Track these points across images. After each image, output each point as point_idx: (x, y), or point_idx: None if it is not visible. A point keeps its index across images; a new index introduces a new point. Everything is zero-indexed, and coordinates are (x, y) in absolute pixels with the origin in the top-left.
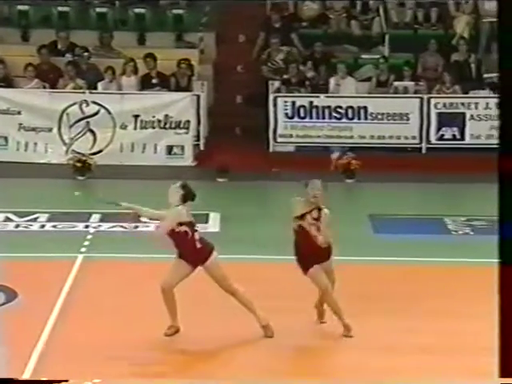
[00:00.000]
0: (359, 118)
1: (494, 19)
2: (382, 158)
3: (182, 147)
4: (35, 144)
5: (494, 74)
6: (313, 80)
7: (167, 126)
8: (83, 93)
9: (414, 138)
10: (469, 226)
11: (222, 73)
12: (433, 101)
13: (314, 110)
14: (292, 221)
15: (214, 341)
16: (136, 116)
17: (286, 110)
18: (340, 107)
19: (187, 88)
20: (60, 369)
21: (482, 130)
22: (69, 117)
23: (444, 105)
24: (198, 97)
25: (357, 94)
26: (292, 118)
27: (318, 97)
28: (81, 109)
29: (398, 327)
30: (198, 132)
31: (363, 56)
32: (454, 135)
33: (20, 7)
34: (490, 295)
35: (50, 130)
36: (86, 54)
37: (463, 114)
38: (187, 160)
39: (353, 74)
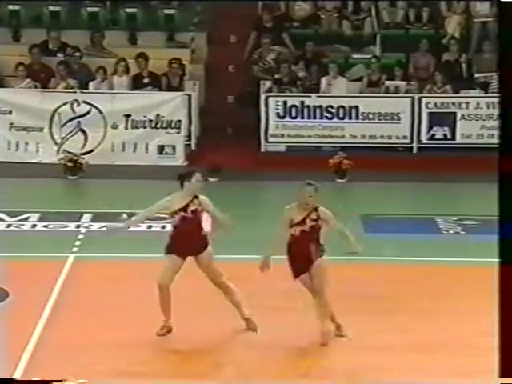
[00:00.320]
0: (350, 118)
1: (485, 19)
2: (374, 158)
3: (174, 147)
4: (26, 144)
5: (485, 74)
6: (304, 80)
7: (158, 125)
8: (74, 92)
9: (405, 137)
10: (460, 226)
11: (214, 73)
12: (424, 100)
13: (305, 110)
14: (290, 227)
15: (206, 340)
16: (127, 116)
17: (278, 109)
18: (331, 107)
19: (178, 88)
20: (51, 368)
21: (472, 129)
22: (60, 116)
23: (435, 104)
24: (190, 96)
25: (348, 93)
26: (283, 117)
27: (309, 96)
28: (72, 108)
29: (390, 327)
30: (190, 132)
31: (354, 56)
32: (445, 135)
33: (11, 7)
34: (482, 294)
35: (41, 129)
36: (77, 53)
37: (454, 113)
38: (178, 160)
39: (344, 73)
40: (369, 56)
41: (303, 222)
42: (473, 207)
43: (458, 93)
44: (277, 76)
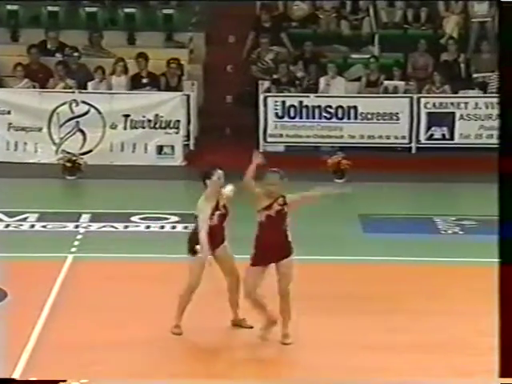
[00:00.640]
0: (349, 118)
1: (483, 19)
2: (372, 158)
3: (172, 147)
4: (25, 144)
5: (484, 74)
6: (303, 80)
7: (157, 125)
8: (73, 92)
9: (403, 137)
10: (458, 226)
11: (212, 73)
12: (422, 100)
13: (304, 110)
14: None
15: (206, 340)
16: (126, 116)
17: (276, 109)
18: (330, 107)
19: (177, 88)
20: (50, 368)
21: (471, 129)
22: (59, 116)
23: (434, 104)
24: (188, 96)
25: (347, 93)
26: (282, 117)
27: (308, 96)
28: (71, 108)
29: (389, 326)
30: (188, 132)
31: (353, 56)
32: (443, 135)
33: (9, 7)
34: (481, 294)
35: (40, 129)
36: (75, 53)
37: (453, 113)
38: (177, 160)
39: (343, 73)
40: (367, 56)
41: (269, 207)
42: (471, 207)
43: (456, 93)
44: (275, 76)
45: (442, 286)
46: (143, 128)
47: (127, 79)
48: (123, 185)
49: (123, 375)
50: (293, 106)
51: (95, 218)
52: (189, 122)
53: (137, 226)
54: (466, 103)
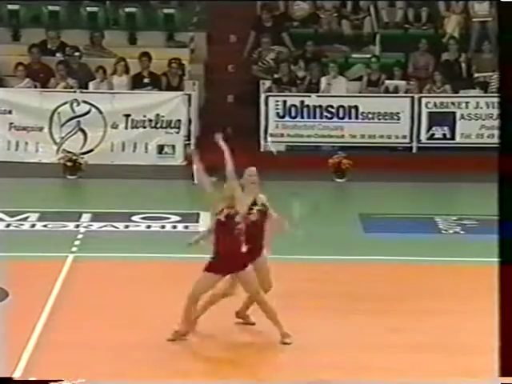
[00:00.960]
0: (350, 118)
1: (484, 19)
2: (373, 158)
3: (173, 147)
4: (26, 143)
5: (484, 74)
6: (304, 79)
7: (158, 125)
8: (74, 92)
9: (404, 137)
10: (459, 225)
11: (213, 72)
12: (423, 100)
13: (305, 110)
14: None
15: (206, 340)
16: (127, 115)
17: (277, 109)
18: (331, 106)
19: (178, 87)
20: (50, 368)
21: (472, 129)
22: (60, 116)
23: (434, 104)
24: (189, 96)
25: (348, 93)
26: (283, 117)
27: (309, 96)
28: (72, 108)
29: (390, 326)
30: (189, 131)
31: (354, 55)
32: (444, 134)
33: (10, 6)
34: (482, 294)
35: (41, 129)
36: (76, 53)
37: (453, 113)
38: (178, 159)
39: (344, 73)
40: (368, 56)
41: (221, 212)
42: (472, 207)
43: (457, 92)
44: (276, 76)
45: (442, 286)
46: (144, 128)
47: (128, 79)
48: (124, 184)
49: (123, 375)
50: (294, 105)
51: (96, 218)
52: (190, 122)
53: (137, 226)
54: (467, 103)
